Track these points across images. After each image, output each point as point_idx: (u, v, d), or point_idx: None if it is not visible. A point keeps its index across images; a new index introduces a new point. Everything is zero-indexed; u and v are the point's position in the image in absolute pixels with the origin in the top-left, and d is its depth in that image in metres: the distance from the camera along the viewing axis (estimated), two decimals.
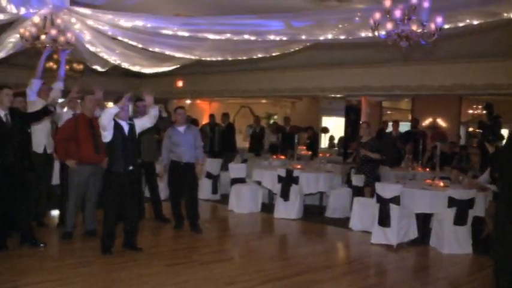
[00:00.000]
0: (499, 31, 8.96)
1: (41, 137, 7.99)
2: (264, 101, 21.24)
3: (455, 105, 16.85)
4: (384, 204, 8.19)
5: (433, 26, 6.52)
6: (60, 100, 8.25)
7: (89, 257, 6.80)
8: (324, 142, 21.54)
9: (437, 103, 16.78)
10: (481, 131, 12.65)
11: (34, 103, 7.75)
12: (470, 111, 18.38)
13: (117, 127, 6.82)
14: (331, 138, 21.35)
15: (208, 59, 9.85)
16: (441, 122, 17.33)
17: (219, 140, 14.89)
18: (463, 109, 17.11)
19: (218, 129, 15.03)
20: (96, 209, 7.82)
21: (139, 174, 8.33)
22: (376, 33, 6.57)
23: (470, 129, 18.52)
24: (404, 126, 15.93)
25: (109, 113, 6.69)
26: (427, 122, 17.30)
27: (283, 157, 13.30)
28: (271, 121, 20.76)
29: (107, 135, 6.77)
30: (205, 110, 21.91)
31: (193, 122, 14.88)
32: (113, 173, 6.88)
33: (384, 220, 8.17)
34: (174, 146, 8.51)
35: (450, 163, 12.20)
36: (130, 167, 6.94)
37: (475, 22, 7.08)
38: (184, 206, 8.69)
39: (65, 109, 8.57)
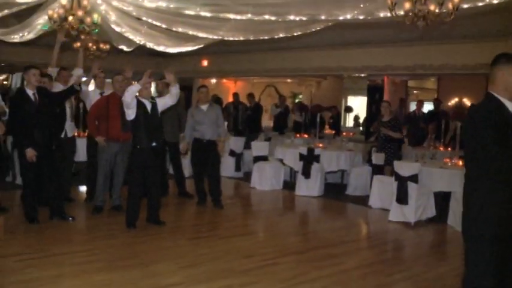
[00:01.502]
0: None
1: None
2: (289, 80, 21.25)
3: (481, 85, 16.58)
4: (402, 182, 8.30)
5: (450, 6, 6.58)
6: (84, 78, 8.46)
7: (115, 230, 7.08)
8: (349, 121, 21.58)
9: (463, 82, 16.64)
10: None
11: (55, 89, 7.98)
12: None
13: (140, 105, 7.05)
14: (356, 117, 21.34)
15: (231, 38, 9.99)
16: (467, 102, 17.21)
17: (243, 119, 15.04)
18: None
19: (242, 107, 15.18)
20: (122, 186, 8.10)
21: (163, 151, 8.59)
22: (394, 13, 6.66)
23: None
24: (430, 106, 15.85)
25: (131, 91, 6.93)
26: (453, 101, 17.19)
27: (306, 136, 13.44)
28: (296, 100, 20.82)
29: (130, 114, 7.02)
30: (230, 88, 22.01)
31: (217, 100, 15.12)
32: (137, 150, 7.14)
33: (402, 198, 8.28)
34: (196, 124, 8.72)
35: None
36: (154, 144, 7.18)
37: (495, 1, 7.07)
38: (207, 182, 8.92)
39: (92, 87, 8.83)
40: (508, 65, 3.60)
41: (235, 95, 15.86)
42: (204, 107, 8.78)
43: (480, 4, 7.12)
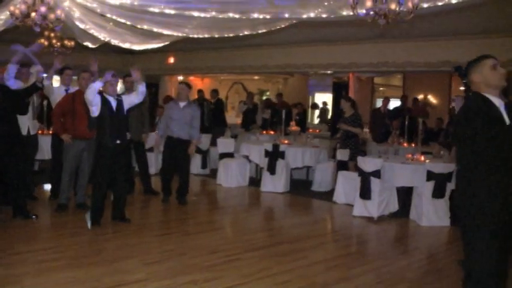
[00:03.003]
0: (481, 9, 9.14)
1: (23, 119, 8.06)
2: (256, 77, 21.37)
3: (445, 82, 17.03)
4: (365, 178, 8.45)
5: (410, 4, 6.74)
6: (44, 74, 8.30)
7: (79, 228, 7.04)
8: (315, 118, 21.73)
9: (427, 79, 16.95)
10: None
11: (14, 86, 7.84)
12: (462, 88, 18.53)
13: (105, 102, 7.04)
14: (322, 112, 21.40)
15: (196, 36, 10.01)
16: (432, 98, 17.54)
17: (209, 116, 15.08)
18: (453, 85, 17.24)
19: (207, 104, 15.21)
20: (88, 183, 8.07)
21: (128, 149, 8.57)
22: (356, 12, 6.78)
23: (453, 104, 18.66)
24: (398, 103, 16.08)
25: (93, 88, 6.90)
26: (418, 98, 17.45)
27: (272, 132, 13.54)
28: (264, 97, 20.92)
29: (94, 110, 7.00)
30: (197, 86, 22.01)
31: (201, 99, 15.01)
32: (102, 147, 7.12)
33: (365, 193, 8.43)
34: (169, 120, 8.71)
35: (437, 139, 12.42)
36: (118, 141, 7.16)
37: (454, 1, 7.25)
38: (175, 180, 8.93)
39: (57, 84, 8.76)
40: (479, 65, 3.81)
41: (200, 91, 15.90)
42: (182, 104, 8.74)
43: (439, 4, 7.31)
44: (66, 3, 8.97)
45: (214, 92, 15.56)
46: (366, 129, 15.98)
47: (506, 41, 11.53)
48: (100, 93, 7.03)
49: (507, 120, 3.70)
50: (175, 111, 8.68)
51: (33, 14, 8.31)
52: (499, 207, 3.60)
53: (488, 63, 3.78)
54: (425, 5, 7.17)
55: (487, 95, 3.76)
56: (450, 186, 8.27)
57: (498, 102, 3.75)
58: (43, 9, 8.28)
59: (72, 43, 12.14)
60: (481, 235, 3.63)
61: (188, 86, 9.00)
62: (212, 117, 14.94)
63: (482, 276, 3.66)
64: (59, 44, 11.85)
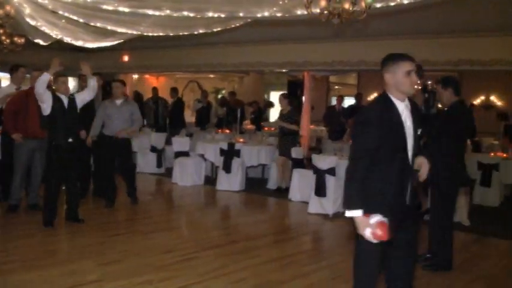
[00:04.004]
0: (434, 9, 9.33)
1: None
2: (211, 75, 21.31)
3: None
4: (320, 175, 8.56)
5: (363, 4, 6.84)
6: None
7: (32, 229, 6.93)
8: (274, 116, 21.79)
9: (381, 78, 17.15)
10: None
11: None
12: (416, 86, 18.85)
13: (56, 100, 6.93)
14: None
15: (151, 34, 9.93)
16: None
17: (164, 114, 14.99)
18: None
19: (162, 102, 15.11)
20: (40, 184, 7.91)
21: (81, 148, 8.40)
22: (310, 11, 6.84)
23: None
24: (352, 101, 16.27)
25: (41, 81, 6.77)
26: (372, 96, 17.72)
27: (227, 131, 13.54)
28: (219, 96, 20.89)
29: (45, 108, 6.89)
30: (153, 84, 21.83)
31: (137, 96, 14.99)
32: (54, 146, 7.00)
33: (320, 190, 8.53)
34: (107, 118, 8.43)
35: None
36: (70, 140, 7.06)
37: (406, 1, 7.39)
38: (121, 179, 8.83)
39: (6, 83, 8.55)
40: (393, 66, 3.67)
41: (154, 89, 15.78)
42: (118, 102, 8.52)
43: (392, 4, 7.44)
44: None
45: (174, 91, 15.40)
46: (322, 127, 16.23)
47: (461, 41, 11.84)
48: (52, 92, 6.92)
49: (409, 125, 3.66)
50: (114, 109, 8.40)
51: None
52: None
53: (404, 69, 3.63)
54: (378, 5, 7.29)
55: (394, 99, 3.67)
56: None
57: (402, 107, 3.68)
58: None
59: (23, 40, 11.85)
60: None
61: (122, 83, 8.87)
62: (172, 116, 14.83)
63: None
64: (8, 41, 11.56)
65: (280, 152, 10.28)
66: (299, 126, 10.69)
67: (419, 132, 3.77)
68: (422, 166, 3.79)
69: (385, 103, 3.68)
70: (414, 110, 3.79)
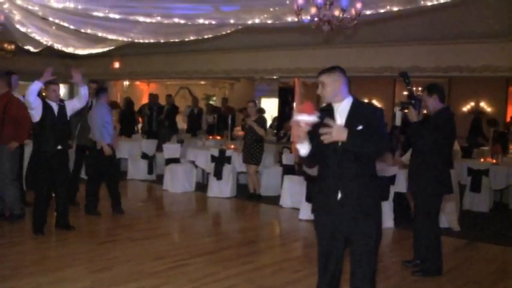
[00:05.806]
0: (422, 16, 9.42)
1: None
2: (202, 82, 21.34)
3: (389, 87, 17.39)
4: (312, 182, 8.55)
5: (353, 11, 6.90)
6: None
7: (21, 237, 6.89)
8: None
9: (371, 84, 17.27)
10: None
11: None
12: (405, 93, 18.90)
13: (47, 107, 6.90)
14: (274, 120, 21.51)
15: (141, 41, 9.95)
16: (376, 103, 17.86)
17: (157, 120, 14.99)
18: (397, 90, 17.55)
19: (156, 108, 15.11)
20: (29, 190, 7.87)
21: (72, 155, 8.39)
22: (300, 18, 6.89)
23: (406, 111, 18.99)
24: None
25: (32, 90, 6.75)
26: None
27: (218, 137, 13.54)
28: (210, 102, 20.91)
29: (34, 115, 6.87)
30: (144, 91, 21.87)
31: (128, 103, 14.95)
32: (42, 153, 6.97)
33: (311, 197, 8.53)
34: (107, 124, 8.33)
35: None
36: (59, 147, 7.04)
37: (395, 8, 7.46)
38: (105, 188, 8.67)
39: None
40: (331, 74, 3.86)
41: (153, 96, 15.76)
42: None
43: (381, 11, 7.51)
44: (6, 6, 8.74)
45: (169, 97, 15.49)
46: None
47: (451, 48, 11.95)
48: (42, 99, 6.91)
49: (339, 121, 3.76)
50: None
51: None
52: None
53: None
54: (368, 12, 7.36)
55: (334, 104, 3.89)
56: (393, 188, 8.46)
57: (341, 107, 3.86)
58: None
59: (13, 46, 11.84)
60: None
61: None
62: (166, 121, 14.84)
63: None
64: None
65: (254, 161, 10.20)
66: (266, 131, 10.67)
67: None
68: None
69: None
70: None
